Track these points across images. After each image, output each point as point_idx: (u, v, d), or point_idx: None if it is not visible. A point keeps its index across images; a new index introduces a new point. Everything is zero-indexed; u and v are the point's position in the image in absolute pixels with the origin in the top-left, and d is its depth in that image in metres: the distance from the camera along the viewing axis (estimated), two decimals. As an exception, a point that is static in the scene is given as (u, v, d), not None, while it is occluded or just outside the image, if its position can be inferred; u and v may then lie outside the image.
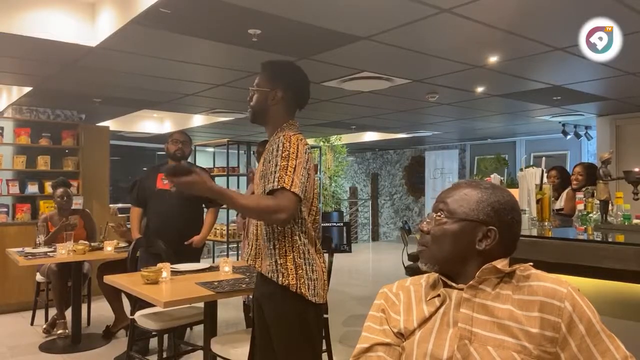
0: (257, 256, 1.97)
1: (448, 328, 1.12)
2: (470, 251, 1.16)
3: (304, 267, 1.88)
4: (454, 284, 1.17)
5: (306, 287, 1.87)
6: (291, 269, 1.87)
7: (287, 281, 1.86)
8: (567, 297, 1.06)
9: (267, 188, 1.83)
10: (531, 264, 1.17)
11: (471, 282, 1.14)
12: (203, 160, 9.08)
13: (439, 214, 1.20)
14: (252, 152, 7.37)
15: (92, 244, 4.26)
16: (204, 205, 4.05)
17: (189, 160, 4.06)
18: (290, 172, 1.81)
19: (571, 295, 1.07)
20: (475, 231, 1.16)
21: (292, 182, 1.80)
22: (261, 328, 1.98)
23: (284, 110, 2.01)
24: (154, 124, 8.74)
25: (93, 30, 3.59)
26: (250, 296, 2.37)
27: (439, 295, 1.17)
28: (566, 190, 4.29)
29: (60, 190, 4.56)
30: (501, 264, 1.14)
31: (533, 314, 1.07)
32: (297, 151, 1.85)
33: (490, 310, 1.10)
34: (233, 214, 7.73)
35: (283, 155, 1.83)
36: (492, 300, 1.11)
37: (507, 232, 1.17)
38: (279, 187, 1.79)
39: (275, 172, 1.81)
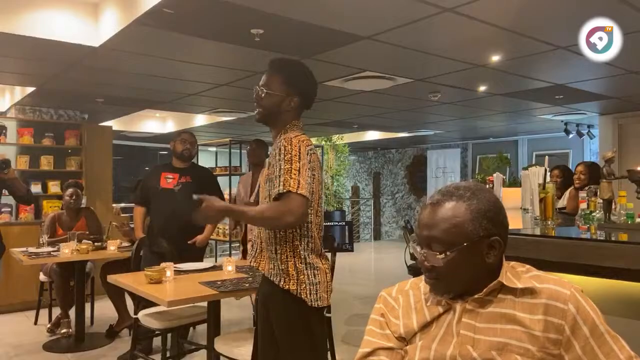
0: (260, 258, 1.99)
1: (452, 338, 1.12)
2: (482, 267, 1.12)
3: (305, 272, 1.89)
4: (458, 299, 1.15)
5: (307, 292, 1.88)
6: (292, 275, 1.87)
7: (287, 286, 1.87)
8: (570, 299, 1.06)
9: (272, 193, 1.83)
10: (530, 266, 1.17)
11: (477, 296, 1.12)
12: (205, 160, 9.09)
13: (438, 250, 1.11)
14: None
15: (96, 243, 4.27)
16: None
17: (193, 160, 4.07)
18: (295, 174, 1.80)
19: (575, 297, 1.07)
20: (480, 248, 1.11)
21: (299, 184, 1.79)
22: (264, 326, 2.00)
23: (295, 115, 2.01)
24: (156, 123, 8.75)
25: (96, 30, 3.60)
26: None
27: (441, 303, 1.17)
28: (569, 189, 4.29)
29: (70, 190, 4.58)
30: (505, 276, 1.13)
31: (537, 317, 1.06)
32: (300, 153, 1.84)
33: (493, 315, 1.10)
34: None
35: (286, 158, 1.82)
36: (494, 306, 1.11)
37: (505, 231, 1.16)
38: (284, 190, 1.78)
39: (279, 175, 1.80)
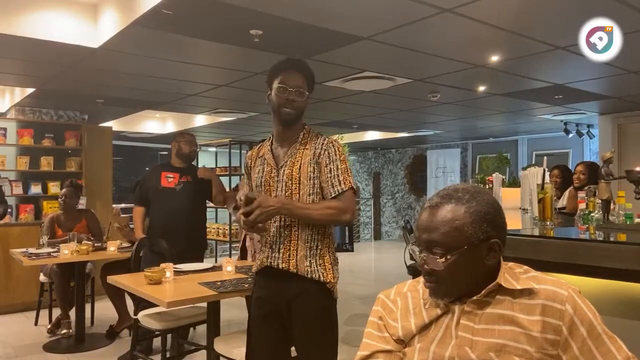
0: (288, 257, 1.97)
1: (450, 340, 1.12)
2: (481, 269, 1.12)
3: (334, 265, 2.02)
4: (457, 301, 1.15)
5: (333, 285, 2.00)
6: (328, 268, 1.99)
7: (324, 278, 1.96)
8: (568, 300, 1.06)
9: (333, 191, 1.94)
10: (527, 267, 1.17)
11: (475, 298, 1.12)
12: (205, 160, 9.09)
13: (438, 254, 1.11)
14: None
15: (96, 244, 4.27)
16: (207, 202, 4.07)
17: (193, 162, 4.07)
18: (350, 173, 1.99)
19: (572, 298, 1.07)
20: (480, 251, 1.11)
21: (352, 181, 1.99)
22: (276, 327, 2.03)
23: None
24: (156, 124, 8.76)
25: (95, 31, 3.61)
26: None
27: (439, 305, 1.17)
28: (569, 189, 4.29)
29: (62, 191, 4.58)
30: (503, 277, 1.13)
31: (535, 318, 1.07)
32: (344, 153, 2.03)
33: (491, 316, 1.10)
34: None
35: (341, 158, 1.99)
36: (493, 307, 1.11)
37: (504, 233, 1.16)
38: (346, 189, 1.94)
39: (338, 175, 1.95)
